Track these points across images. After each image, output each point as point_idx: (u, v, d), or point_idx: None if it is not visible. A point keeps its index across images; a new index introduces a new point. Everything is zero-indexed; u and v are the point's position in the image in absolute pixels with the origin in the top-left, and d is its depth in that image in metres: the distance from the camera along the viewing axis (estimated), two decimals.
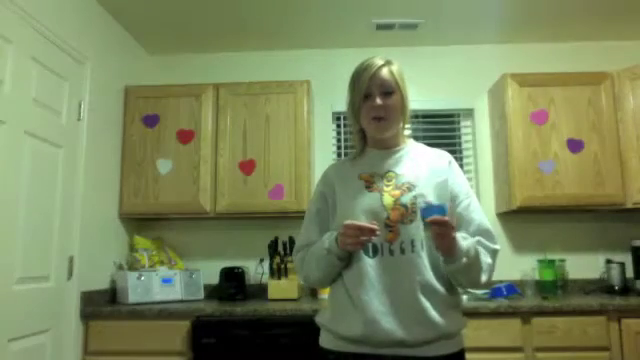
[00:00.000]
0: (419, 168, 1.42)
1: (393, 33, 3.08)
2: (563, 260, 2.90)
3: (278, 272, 2.78)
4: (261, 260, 3.02)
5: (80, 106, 2.48)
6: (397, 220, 1.33)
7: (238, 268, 2.86)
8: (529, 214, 3.03)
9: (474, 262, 1.31)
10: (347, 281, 1.36)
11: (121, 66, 2.93)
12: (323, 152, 3.20)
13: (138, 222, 3.08)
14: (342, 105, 3.22)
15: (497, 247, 1.39)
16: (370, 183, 1.40)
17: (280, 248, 2.87)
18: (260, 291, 2.92)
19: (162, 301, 2.67)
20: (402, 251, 1.31)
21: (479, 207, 1.44)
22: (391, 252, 1.32)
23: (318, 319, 1.44)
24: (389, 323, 1.27)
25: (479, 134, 3.18)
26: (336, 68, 3.24)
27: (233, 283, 2.82)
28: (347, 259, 1.36)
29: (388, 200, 1.35)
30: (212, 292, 3.00)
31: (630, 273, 2.84)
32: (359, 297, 1.31)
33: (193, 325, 2.35)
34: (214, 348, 2.32)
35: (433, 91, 3.23)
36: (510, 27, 3.03)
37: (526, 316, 2.34)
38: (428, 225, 1.23)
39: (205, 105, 2.90)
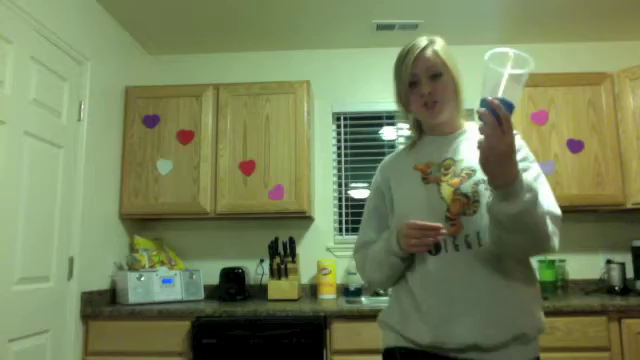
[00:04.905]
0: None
1: (393, 33, 3.08)
2: (563, 260, 2.89)
3: (278, 272, 2.78)
4: (261, 260, 3.02)
5: (80, 106, 2.48)
6: (458, 212, 1.19)
7: (238, 268, 2.86)
8: None
9: (538, 205, 1.06)
10: (411, 282, 1.25)
11: (121, 66, 2.93)
12: (323, 152, 3.20)
13: (138, 222, 3.08)
14: (342, 105, 3.25)
15: (559, 214, 1.20)
16: (427, 174, 1.28)
17: (280, 248, 2.86)
18: (260, 291, 2.92)
19: (162, 301, 2.67)
20: (468, 245, 1.18)
21: (549, 191, 1.23)
22: (456, 247, 1.18)
23: (383, 319, 1.33)
24: (460, 326, 1.14)
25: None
26: (336, 68, 3.25)
27: (233, 283, 2.82)
28: (409, 259, 1.26)
29: (446, 191, 1.22)
30: (212, 292, 3.00)
31: (630, 273, 2.84)
32: (425, 300, 1.20)
33: (193, 325, 2.35)
34: (214, 348, 2.32)
35: None
36: (510, 27, 3.03)
37: None
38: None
39: (205, 105, 2.89)
